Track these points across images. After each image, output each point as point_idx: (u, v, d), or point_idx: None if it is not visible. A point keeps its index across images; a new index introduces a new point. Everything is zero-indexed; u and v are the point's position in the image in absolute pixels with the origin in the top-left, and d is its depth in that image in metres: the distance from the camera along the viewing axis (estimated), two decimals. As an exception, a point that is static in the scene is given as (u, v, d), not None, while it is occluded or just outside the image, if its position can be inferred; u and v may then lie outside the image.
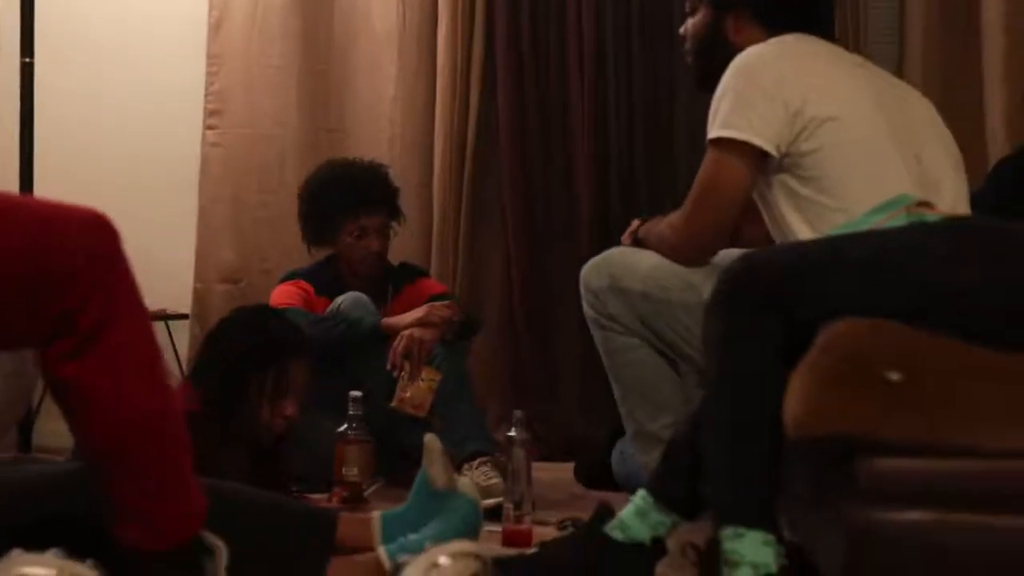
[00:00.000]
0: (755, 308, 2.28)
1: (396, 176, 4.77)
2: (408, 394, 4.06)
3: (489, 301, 5.23)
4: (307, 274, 4.50)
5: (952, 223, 2.43)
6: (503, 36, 5.24)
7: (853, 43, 4.98)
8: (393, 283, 4.52)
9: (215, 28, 5.40)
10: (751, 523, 2.23)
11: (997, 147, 4.30)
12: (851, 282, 2.25)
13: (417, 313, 4.16)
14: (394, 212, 4.58)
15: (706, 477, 2.36)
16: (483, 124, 5.28)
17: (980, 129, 4.51)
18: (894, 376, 2.07)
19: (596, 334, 3.24)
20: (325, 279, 4.46)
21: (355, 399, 3.71)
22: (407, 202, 4.95)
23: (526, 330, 5.20)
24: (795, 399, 2.14)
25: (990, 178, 3.67)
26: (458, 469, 3.75)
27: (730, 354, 2.31)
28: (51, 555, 2.03)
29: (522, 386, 5.16)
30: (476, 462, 3.85)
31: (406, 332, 4.11)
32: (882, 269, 2.25)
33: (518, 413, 3.36)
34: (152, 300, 5.11)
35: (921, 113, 2.89)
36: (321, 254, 4.61)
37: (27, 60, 4.78)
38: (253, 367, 3.37)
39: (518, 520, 3.26)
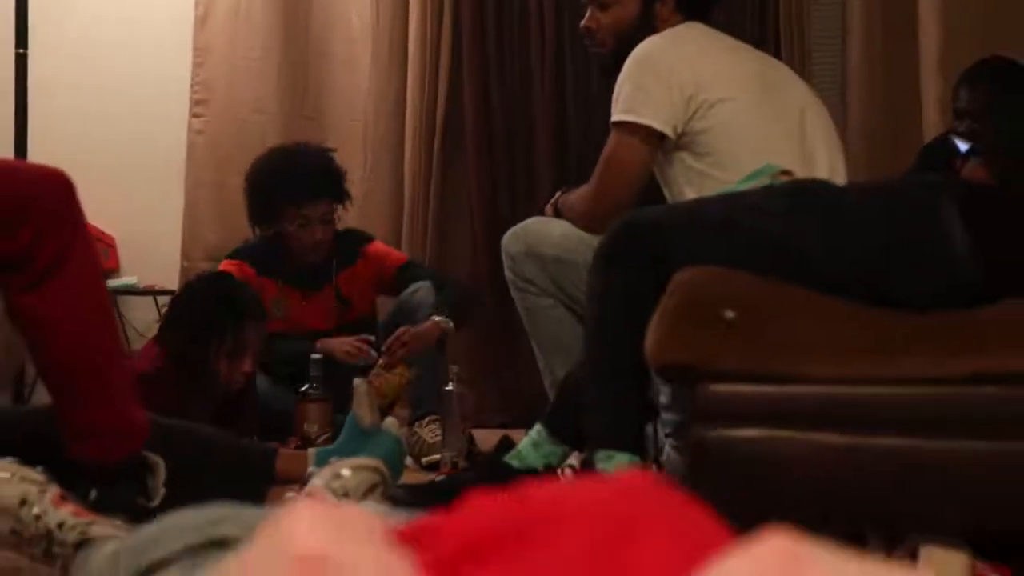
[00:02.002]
0: (628, 261, 2.63)
1: (369, 161, 5.03)
2: (377, 383, 4.15)
3: (456, 274, 5.39)
4: (250, 254, 4.53)
5: (792, 185, 2.77)
6: (469, 32, 5.54)
7: (798, 39, 5.26)
8: (338, 258, 4.55)
9: (200, 22, 5.71)
10: (620, 447, 2.57)
11: (932, 134, 4.62)
12: (705, 237, 2.59)
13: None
14: (339, 197, 4.55)
15: (584, 410, 2.70)
16: (451, 113, 5.57)
17: (917, 118, 4.85)
18: (729, 314, 2.41)
19: (515, 295, 3.54)
20: (268, 259, 4.48)
21: (315, 361, 3.96)
22: (379, 186, 5.27)
23: (492, 305, 5.42)
24: (649, 336, 2.47)
25: (920, 156, 4.03)
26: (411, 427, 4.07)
27: (605, 301, 2.66)
28: (6, 461, 2.38)
29: (484, 355, 5.43)
30: (426, 420, 4.09)
31: (409, 330, 4.24)
32: (729, 225, 2.59)
33: (454, 368, 3.67)
34: (142, 277, 5.44)
35: (801, 93, 3.24)
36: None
37: (21, 51, 4.91)
38: (213, 327, 3.68)
39: (454, 468, 3.55)
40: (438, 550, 0.91)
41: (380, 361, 4.24)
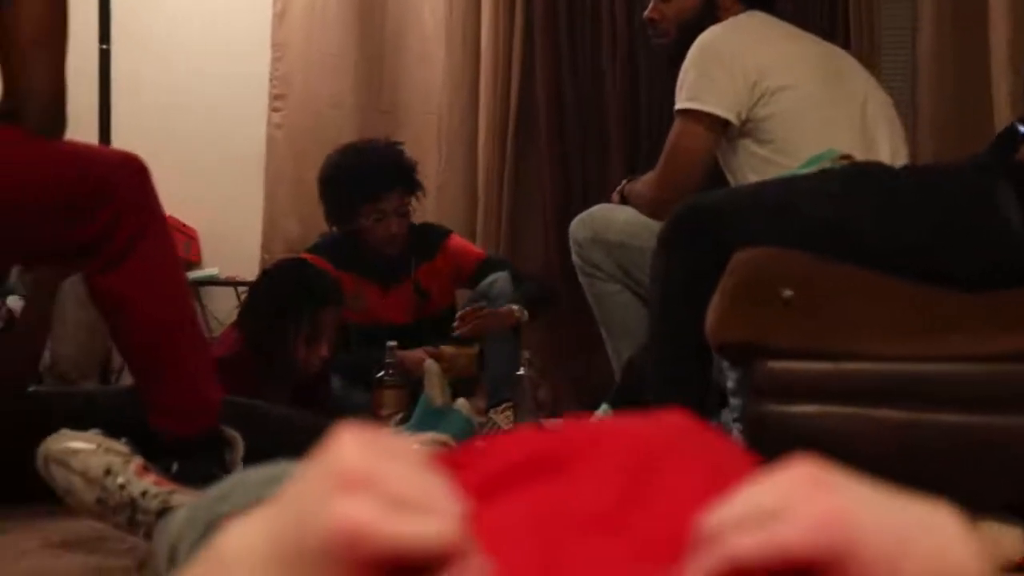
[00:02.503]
0: (689, 245, 2.71)
1: (442, 156, 5.10)
2: (447, 354, 4.27)
3: (529, 265, 5.49)
4: (328, 249, 4.60)
5: (848, 168, 2.83)
6: (541, 24, 5.59)
7: (868, 33, 5.27)
8: (417, 252, 4.64)
9: (279, 18, 5.83)
10: (683, 420, 2.64)
11: (1003, 127, 4.64)
12: (763, 220, 2.66)
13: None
14: (411, 188, 4.60)
15: (649, 385, 2.78)
16: (523, 106, 5.63)
17: (988, 111, 4.86)
18: (787, 293, 2.48)
19: (583, 281, 3.63)
20: (346, 253, 4.55)
21: (390, 348, 4.06)
22: (454, 178, 5.34)
23: (565, 292, 5.50)
24: (710, 315, 2.55)
25: (991, 145, 4.08)
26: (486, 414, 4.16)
27: (668, 284, 2.74)
28: (92, 433, 2.50)
29: (556, 344, 5.49)
30: (501, 407, 4.15)
31: (487, 308, 4.36)
32: (785, 208, 2.66)
33: (526, 354, 3.76)
34: (223, 268, 5.56)
35: (862, 80, 3.30)
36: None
37: (104, 47, 5.01)
38: (290, 313, 3.79)
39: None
40: (477, 472, 0.99)
41: (454, 330, 4.34)
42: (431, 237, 4.72)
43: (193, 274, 5.57)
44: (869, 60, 5.01)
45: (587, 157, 5.61)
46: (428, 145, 5.57)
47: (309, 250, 4.69)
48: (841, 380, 2.47)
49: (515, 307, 4.34)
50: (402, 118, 5.74)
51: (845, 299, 2.51)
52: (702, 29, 3.30)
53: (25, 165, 2.48)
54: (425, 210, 4.99)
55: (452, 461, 0.96)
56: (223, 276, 5.68)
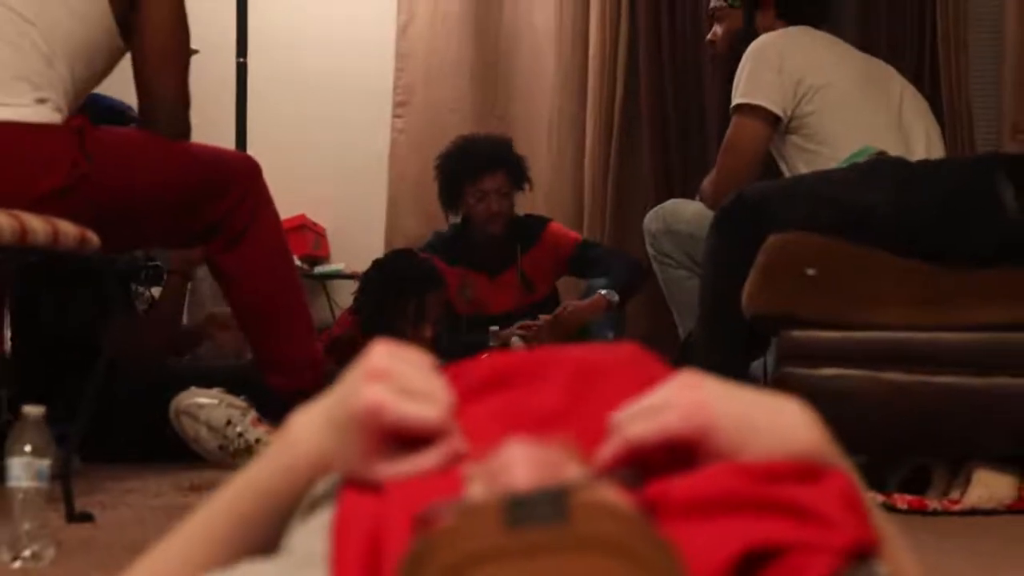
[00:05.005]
0: (734, 230, 3.08)
1: (552, 154, 5.43)
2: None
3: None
4: (438, 244, 4.95)
5: (870, 161, 3.18)
6: (645, 31, 5.89)
7: (954, 33, 5.47)
8: (521, 241, 4.97)
9: (402, 30, 6.20)
10: (726, 383, 3.02)
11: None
12: (795, 207, 3.03)
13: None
14: (515, 176, 4.92)
15: (697, 348, 3.16)
16: (628, 108, 5.93)
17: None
18: (810, 271, 2.85)
19: (656, 268, 3.99)
20: (455, 246, 4.91)
21: (493, 332, 4.44)
22: (562, 176, 5.66)
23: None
24: (746, 288, 2.93)
25: None
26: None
27: (716, 263, 3.12)
28: (216, 391, 2.96)
29: (648, 329, 5.71)
30: None
31: (569, 306, 4.71)
32: (814, 196, 3.03)
33: (610, 335, 4.12)
34: (349, 263, 5.95)
35: (898, 82, 3.65)
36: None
37: (241, 60, 5.31)
38: (398, 297, 4.20)
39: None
40: (464, 381, 1.38)
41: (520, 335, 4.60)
42: (532, 226, 5.05)
43: (321, 268, 6.01)
44: (957, 73, 5.20)
45: (687, 156, 5.89)
46: (538, 148, 5.87)
47: (422, 248, 5.00)
48: (856, 346, 2.84)
49: (604, 292, 4.69)
50: (515, 122, 6.04)
51: (860, 276, 2.87)
52: (746, 44, 3.66)
53: (160, 163, 2.94)
54: (536, 209, 5.34)
55: (448, 373, 1.34)
56: (348, 270, 5.99)
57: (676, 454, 1.21)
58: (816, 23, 3.72)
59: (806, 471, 1.19)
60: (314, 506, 1.21)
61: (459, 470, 1.12)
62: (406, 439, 1.19)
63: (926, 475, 2.91)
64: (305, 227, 5.92)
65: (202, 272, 4.10)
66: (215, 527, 1.30)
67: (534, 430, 1.15)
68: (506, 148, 5.03)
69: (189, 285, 4.20)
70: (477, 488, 1.04)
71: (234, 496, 1.30)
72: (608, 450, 1.19)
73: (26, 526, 2.16)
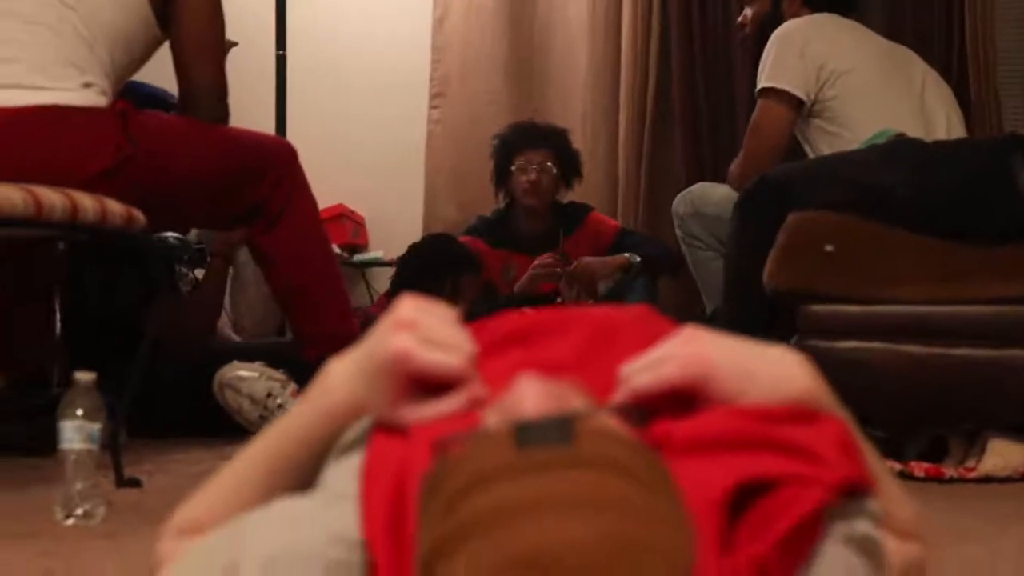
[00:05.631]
0: (757, 210, 3.18)
1: (586, 146, 5.53)
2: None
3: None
4: (481, 228, 5.11)
5: (888, 143, 3.26)
6: (677, 26, 5.94)
7: (981, 23, 5.51)
8: (564, 225, 5.11)
9: (438, 23, 6.27)
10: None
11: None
12: (816, 188, 3.13)
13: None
14: (562, 159, 5.12)
15: (720, 326, 3.25)
16: (661, 101, 5.99)
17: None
18: (829, 248, 2.95)
19: (684, 249, 4.09)
20: (498, 230, 5.07)
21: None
22: (597, 167, 5.73)
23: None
24: (767, 265, 3.03)
25: None
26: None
27: (740, 243, 3.22)
28: (257, 364, 3.08)
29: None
30: None
31: (583, 261, 4.83)
32: (834, 177, 3.12)
33: None
34: (388, 251, 6.06)
35: (920, 68, 3.73)
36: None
37: (280, 53, 5.50)
38: (433, 280, 4.31)
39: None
40: (485, 335, 1.49)
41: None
42: (575, 212, 5.20)
43: (360, 256, 6.12)
44: (986, 60, 5.25)
45: (718, 147, 5.95)
46: (573, 138, 5.83)
47: (465, 232, 5.16)
48: (874, 320, 2.94)
49: (627, 255, 4.84)
50: (549, 114, 6.05)
51: (878, 253, 2.97)
52: (773, 27, 3.75)
53: (200, 146, 3.06)
54: (571, 198, 5.38)
55: (471, 327, 1.43)
56: (387, 258, 6.06)
57: (681, 401, 1.31)
58: (841, 11, 3.80)
59: (801, 415, 1.29)
60: (347, 450, 1.32)
61: (478, 414, 1.20)
62: (430, 385, 1.30)
63: (943, 445, 3.00)
64: (344, 216, 6.01)
65: (245, 256, 4.24)
66: (255, 470, 1.42)
67: (548, 377, 1.22)
68: (559, 133, 5.21)
69: (231, 267, 4.34)
70: (491, 418, 1.15)
71: (273, 440, 1.41)
72: (618, 398, 1.30)
73: (78, 486, 2.28)
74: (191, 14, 3.09)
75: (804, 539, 1.18)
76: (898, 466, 2.90)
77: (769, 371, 1.33)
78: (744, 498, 1.18)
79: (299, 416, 1.41)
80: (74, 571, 1.87)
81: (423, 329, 1.31)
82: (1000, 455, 2.85)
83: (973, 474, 2.89)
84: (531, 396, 1.13)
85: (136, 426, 3.36)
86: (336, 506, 1.21)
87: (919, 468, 2.90)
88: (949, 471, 2.90)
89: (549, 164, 5.07)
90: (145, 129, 2.96)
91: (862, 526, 1.23)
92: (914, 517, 1.44)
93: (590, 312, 1.57)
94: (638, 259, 4.87)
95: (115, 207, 2.68)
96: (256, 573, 1.16)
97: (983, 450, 2.89)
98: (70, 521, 2.27)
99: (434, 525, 0.97)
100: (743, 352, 1.34)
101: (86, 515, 2.28)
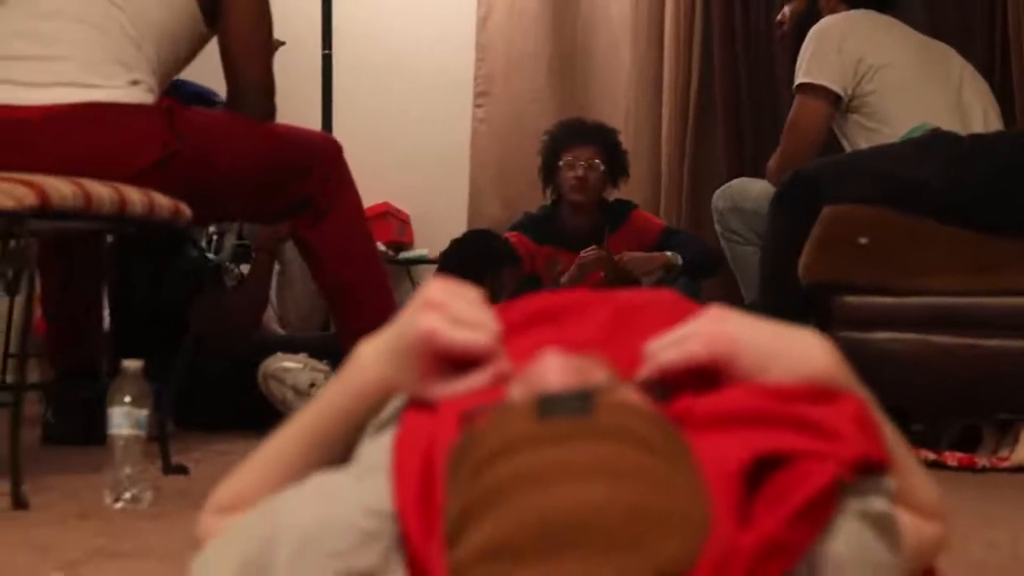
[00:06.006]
0: (795, 202, 3.22)
1: (629, 140, 5.56)
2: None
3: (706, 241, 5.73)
4: (527, 224, 5.14)
5: (923, 136, 3.29)
6: (719, 24, 5.98)
7: None
8: (609, 222, 5.15)
9: (482, 22, 6.35)
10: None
11: None
12: (854, 181, 3.17)
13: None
14: (610, 158, 5.13)
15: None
16: (703, 98, 6.03)
17: None
18: (862, 240, 2.99)
19: (723, 244, 4.13)
20: (543, 226, 5.10)
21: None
22: (639, 163, 5.77)
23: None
24: (802, 258, 3.08)
25: None
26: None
27: (776, 236, 3.27)
28: (301, 356, 3.14)
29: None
30: None
31: (627, 254, 4.89)
32: (868, 171, 3.16)
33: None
34: (432, 248, 6.13)
35: (958, 63, 3.76)
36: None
37: (326, 52, 5.52)
38: (473, 274, 4.35)
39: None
40: (511, 315, 1.54)
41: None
42: (620, 209, 5.24)
43: (405, 254, 6.19)
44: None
45: (759, 144, 5.96)
46: None
47: (511, 228, 5.21)
48: (907, 312, 2.99)
49: (669, 253, 4.88)
50: (593, 111, 6.09)
51: (911, 245, 3.02)
52: (811, 25, 3.79)
53: (246, 142, 3.12)
54: (615, 194, 5.41)
55: (497, 307, 1.46)
56: (432, 256, 6.12)
57: (705, 379, 1.36)
58: (878, 7, 3.83)
59: (821, 393, 1.34)
60: (381, 427, 1.38)
61: (504, 388, 1.25)
62: (458, 363, 1.36)
63: (977, 435, 3.04)
64: (389, 214, 6.09)
65: (292, 253, 4.31)
66: (292, 447, 1.48)
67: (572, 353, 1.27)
68: (608, 131, 5.25)
69: (276, 263, 4.41)
70: (516, 392, 1.20)
71: (308, 420, 1.47)
72: (643, 374, 1.35)
73: (127, 471, 2.35)
74: (239, 12, 3.16)
75: (819, 513, 1.22)
76: (932, 456, 2.94)
77: (790, 351, 1.37)
78: (761, 472, 1.23)
79: (332, 395, 1.47)
80: (122, 548, 1.93)
81: (450, 309, 1.37)
82: (1032, 443, 2.89)
83: (1006, 464, 2.92)
84: (554, 369, 1.19)
85: (183, 419, 3.45)
86: (369, 479, 1.27)
87: (952, 458, 2.94)
88: (982, 461, 2.94)
89: (597, 161, 5.09)
90: (191, 125, 3.02)
91: (878, 503, 1.27)
92: (936, 498, 1.47)
93: (615, 294, 1.63)
94: (681, 260, 4.91)
95: (162, 200, 2.75)
96: (292, 545, 1.22)
97: (1016, 440, 2.93)
98: (119, 504, 2.34)
99: (461, 491, 1.03)
100: (766, 332, 1.39)
101: (134, 499, 2.35)
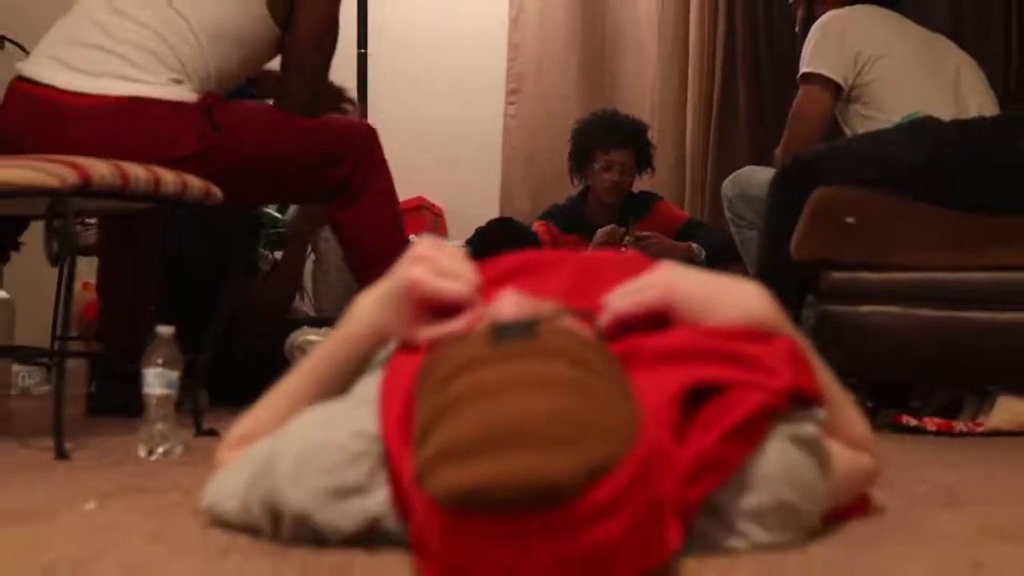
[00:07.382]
0: (792, 185, 3.40)
1: (654, 136, 5.69)
2: None
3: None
4: (555, 214, 5.30)
5: (911, 122, 3.46)
6: (742, 24, 6.13)
7: None
8: (634, 213, 5.27)
9: (514, 21, 6.51)
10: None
11: None
12: (847, 165, 3.35)
13: None
14: (641, 158, 5.30)
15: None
16: (727, 96, 6.18)
17: None
18: (850, 219, 3.17)
19: (732, 230, 4.28)
20: (571, 216, 5.25)
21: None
22: (665, 158, 5.93)
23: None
24: (794, 236, 3.26)
25: None
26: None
27: (773, 215, 3.45)
28: (326, 330, 3.33)
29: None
30: None
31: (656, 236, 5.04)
32: (860, 154, 3.34)
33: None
34: (464, 240, 6.20)
35: (956, 55, 3.92)
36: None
37: (362, 51, 5.74)
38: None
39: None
40: (493, 269, 1.74)
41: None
42: (644, 200, 5.40)
43: (439, 246, 6.32)
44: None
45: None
46: None
47: (540, 217, 5.39)
48: (891, 286, 3.18)
49: (693, 245, 5.03)
50: (620, 108, 6.07)
51: (896, 223, 3.20)
52: (814, 17, 3.97)
53: (284, 132, 3.31)
54: (641, 188, 5.59)
55: (478, 263, 1.66)
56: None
57: (655, 324, 1.56)
58: (879, 2, 4.00)
59: (757, 334, 1.53)
60: (375, 367, 1.60)
61: None
62: (441, 310, 1.56)
63: (959, 405, 3.22)
64: (423, 208, 6.21)
65: (327, 246, 4.54)
66: (298, 387, 1.71)
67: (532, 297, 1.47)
68: (642, 130, 5.38)
69: (314, 252, 4.60)
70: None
71: (312, 363, 1.70)
72: (602, 321, 1.55)
73: (159, 426, 2.54)
74: (310, 20, 3.32)
75: (751, 434, 1.41)
76: (913, 421, 3.12)
77: (730, 297, 1.58)
78: (699, 399, 1.42)
79: (333, 342, 1.69)
80: (151, 485, 2.13)
81: (435, 262, 1.58)
82: (1007, 411, 3.06)
83: (982, 428, 3.10)
84: (507, 304, 1.39)
85: (215, 396, 3.62)
86: (361, 408, 1.49)
87: (931, 423, 3.12)
88: (959, 425, 3.11)
89: (631, 165, 5.27)
90: (231, 117, 3.20)
91: (807, 428, 1.46)
92: (867, 432, 1.67)
93: (583, 254, 1.83)
94: (703, 252, 5.04)
95: (194, 181, 2.88)
96: (292, 459, 1.44)
97: (992, 406, 3.10)
98: (152, 457, 2.53)
99: (427, 403, 1.21)
100: (708, 282, 1.60)
101: (166, 453, 2.54)
